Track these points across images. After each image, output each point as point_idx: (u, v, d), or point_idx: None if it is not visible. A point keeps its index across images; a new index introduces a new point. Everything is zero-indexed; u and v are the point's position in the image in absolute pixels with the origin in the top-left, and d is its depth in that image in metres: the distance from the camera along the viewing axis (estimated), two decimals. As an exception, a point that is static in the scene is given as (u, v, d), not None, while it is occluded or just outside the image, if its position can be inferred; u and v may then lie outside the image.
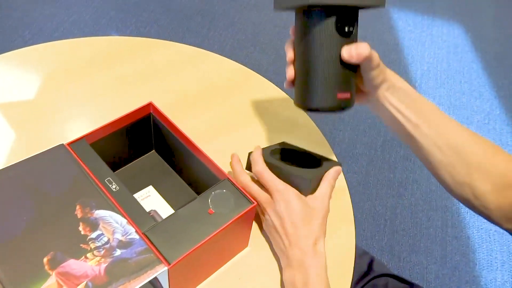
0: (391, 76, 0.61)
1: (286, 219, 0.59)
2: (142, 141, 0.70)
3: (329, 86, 0.56)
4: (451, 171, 0.58)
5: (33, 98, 0.81)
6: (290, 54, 0.60)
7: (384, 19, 2.35)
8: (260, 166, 0.62)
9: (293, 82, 0.61)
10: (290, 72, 0.60)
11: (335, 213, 0.69)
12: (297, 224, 0.58)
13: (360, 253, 0.84)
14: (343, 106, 0.57)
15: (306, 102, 0.58)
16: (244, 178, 0.63)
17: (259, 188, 0.62)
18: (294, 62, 0.60)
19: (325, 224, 0.60)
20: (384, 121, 0.63)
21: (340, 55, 0.56)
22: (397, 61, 2.11)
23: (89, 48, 0.92)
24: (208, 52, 0.95)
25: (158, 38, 2.07)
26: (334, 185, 0.63)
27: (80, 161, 0.58)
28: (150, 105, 0.66)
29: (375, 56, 0.57)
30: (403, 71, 2.06)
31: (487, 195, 0.56)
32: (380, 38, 2.22)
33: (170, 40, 0.99)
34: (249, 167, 0.66)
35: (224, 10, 2.26)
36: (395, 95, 0.60)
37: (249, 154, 0.67)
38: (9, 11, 2.10)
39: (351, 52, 0.55)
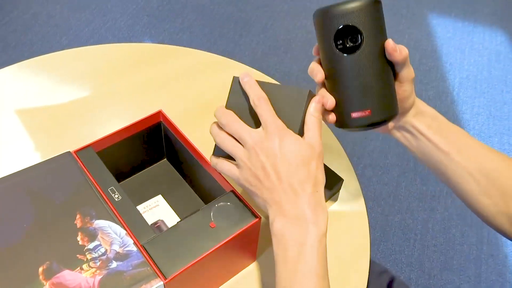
0: (418, 102, 0.58)
1: (278, 156, 0.48)
2: (153, 149, 0.70)
3: (343, 106, 0.53)
4: (485, 200, 0.55)
5: (52, 103, 0.82)
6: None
7: (422, 25, 2.28)
8: (260, 90, 0.51)
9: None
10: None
11: (350, 230, 0.66)
12: (294, 163, 0.48)
13: (379, 271, 0.80)
14: (361, 124, 0.52)
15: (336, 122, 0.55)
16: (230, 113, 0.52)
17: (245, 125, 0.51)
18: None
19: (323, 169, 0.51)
20: (411, 150, 0.60)
21: (356, 74, 0.51)
22: (434, 69, 2.04)
23: (111, 55, 0.93)
24: (230, 60, 0.94)
25: (190, 44, 2.12)
26: (321, 118, 0.52)
27: (85, 169, 0.57)
28: (159, 113, 0.66)
29: (412, 69, 0.54)
30: (441, 79, 1.99)
31: None
32: (418, 45, 2.16)
33: (202, 47, 0.99)
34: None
35: (257, 16, 2.26)
36: (423, 121, 0.57)
37: (233, 82, 0.55)
38: (48, 18, 2.18)
39: (395, 46, 0.51)
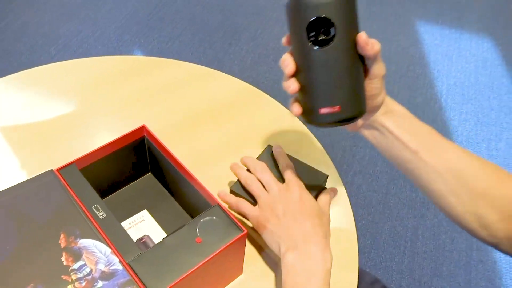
0: (388, 100, 0.58)
1: (298, 203, 0.59)
2: (137, 164, 0.69)
3: (312, 101, 0.52)
4: (454, 200, 0.54)
5: (36, 119, 0.82)
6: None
7: (410, 32, 2.30)
8: (288, 160, 0.65)
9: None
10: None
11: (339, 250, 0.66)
12: (310, 211, 0.58)
13: (371, 281, 0.80)
14: (329, 120, 0.52)
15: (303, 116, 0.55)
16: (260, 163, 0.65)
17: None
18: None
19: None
20: (380, 149, 0.59)
21: (323, 67, 0.50)
22: (422, 75, 2.05)
23: (99, 67, 0.93)
24: (217, 72, 0.94)
25: (179, 53, 2.12)
26: (331, 200, 0.64)
27: (68, 188, 0.57)
28: (143, 128, 0.65)
29: (383, 65, 0.54)
30: (429, 86, 2.01)
31: (495, 224, 0.52)
32: (405, 51, 2.17)
33: (192, 56, 0.99)
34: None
35: (247, 24, 2.26)
36: (392, 120, 0.57)
37: (235, 184, 0.66)
38: (37, 28, 2.17)
39: (368, 40, 0.51)
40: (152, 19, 2.27)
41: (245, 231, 0.55)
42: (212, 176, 0.73)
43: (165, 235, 0.65)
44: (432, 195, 0.56)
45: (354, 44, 0.51)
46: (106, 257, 0.51)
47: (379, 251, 1.46)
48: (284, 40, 0.54)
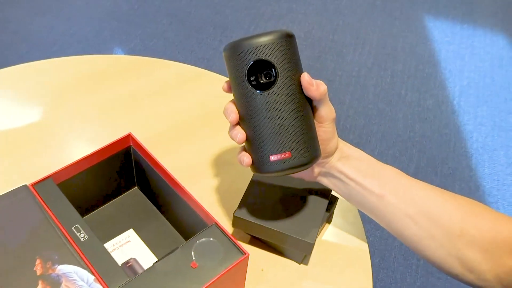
0: (343, 144, 0.59)
1: None
2: (123, 178, 0.68)
3: (260, 149, 0.53)
4: (431, 243, 0.55)
5: (5, 127, 0.80)
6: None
7: (417, 28, 2.31)
8: None
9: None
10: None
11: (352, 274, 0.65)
12: None
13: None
14: (280, 168, 0.53)
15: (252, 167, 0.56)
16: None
17: None
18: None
19: None
20: (344, 196, 0.60)
21: (270, 113, 0.52)
22: (432, 76, 2.06)
23: (77, 68, 0.91)
24: (209, 72, 0.93)
25: (164, 52, 2.11)
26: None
27: (45, 205, 0.56)
28: (129, 137, 0.64)
29: (332, 108, 0.56)
30: (440, 87, 2.01)
31: (481, 265, 0.52)
32: (413, 49, 2.18)
33: (177, 54, 0.98)
34: (240, 225, 0.63)
35: (238, 20, 2.26)
36: (349, 165, 0.58)
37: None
38: (5, 23, 2.15)
39: (311, 80, 0.52)
40: (134, 14, 2.26)
41: (247, 253, 0.54)
42: (208, 191, 0.72)
43: (154, 258, 0.63)
44: (407, 241, 0.57)
45: (298, 85, 0.53)
46: (89, 285, 0.50)
47: (389, 271, 1.45)
48: (224, 86, 0.55)
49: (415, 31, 2.30)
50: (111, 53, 2.06)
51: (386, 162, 1.68)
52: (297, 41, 2.14)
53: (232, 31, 2.20)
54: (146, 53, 2.04)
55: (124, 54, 2.07)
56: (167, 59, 0.97)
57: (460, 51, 2.20)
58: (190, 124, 0.83)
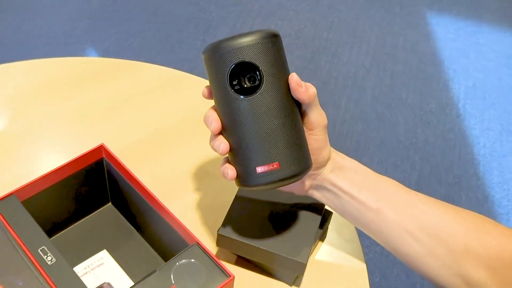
0: (335, 154, 0.59)
1: None
2: (95, 193, 0.68)
3: (246, 160, 0.53)
4: (432, 261, 0.55)
5: (-33, 136, 0.79)
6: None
7: (419, 25, 2.33)
8: None
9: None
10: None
11: None
12: None
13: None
14: (268, 180, 0.53)
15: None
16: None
17: None
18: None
19: None
20: (337, 211, 0.60)
21: (254, 120, 0.52)
22: (435, 76, 2.08)
23: (45, 72, 0.91)
24: (190, 75, 0.93)
25: (141, 53, 2.11)
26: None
27: (7, 226, 0.55)
28: (101, 148, 0.64)
29: (323, 113, 0.56)
30: (443, 88, 2.03)
31: (486, 284, 0.53)
32: (414, 48, 2.20)
33: (156, 55, 0.98)
34: (225, 245, 0.63)
35: (223, 17, 2.27)
36: (343, 177, 0.58)
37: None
38: (-35, 22, 2.14)
39: (300, 81, 0.53)
40: (107, 11, 2.26)
41: (232, 276, 0.54)
42: (189, 206, 0.72)
43: (131, 282, 0.63)
44: (407, 259, 0.57)
45: (286, 88, 0.53)
46: (57, 314, 0.49)
47: (391, 291, 1.45)
48: (204, 92, 0.55)
49: (416, 28, 2.32)
50: (83, 55, 2.06)
51: (386, 170, 1.70)
52: (288, 40, 2.16)
53: (216, 29, 2.20)
54: (121, 54, 2.04)
55: (97, 56, 2.07)
56: (144, 61, 0.97)
57: (465, 49, 2.22)
58: (169, 133, 0.83)
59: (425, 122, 1.90)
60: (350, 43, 2.21)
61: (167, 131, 0.83)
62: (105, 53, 2.06)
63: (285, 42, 2.32)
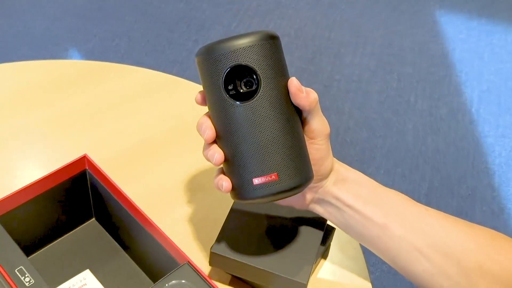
0: (339, 165, 0.60)
1: None
2: (77, 208, 0.68)
3: (241, 171, 0.54)
4: (445, 281, 0.55)
5: None
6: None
7: (428, 24, 2.34)
8: None
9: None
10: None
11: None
12: None
13: None
14: (266, 193, 0.53)
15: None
16: None
17: None
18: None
19: None
20: (340, 226, 0.61)
21: (250, 128, 0.52)
22: (446, 80, 2.09)
23: (24, 75, 0.91)
24: (178, 78, 0.94)
25: (128, 55, 2.11)
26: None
27: (-19, 243, 0.55)
28: (84, 158, 0.64)
29: (326, 121, 0.56)
30: (455, 93, 2.04)
31: None
32: (423, 49, 2.21)
33: (145, 57, 0.99)
34: (219, 263, 0.63)
35: (217, 16, 2.28)
36: (347, 190, 0.58)
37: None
38: None
39: (300, 86, 0.53)
40: (90, 9, 2.26)
41: (225, 297, 0.54)
42: (180, 222, 0.72)
43: (116, 305, 0.63)
44: (416, 279, 0.57)
45: (285, 94, 0.53)
46: None
47: (399, 312, 1.45)
48: (197, 97, 0.56)
49: (425, 27, 2.33)
50: (65, 57, 2.06)
51: (393, 181, 1.70)
52: (287, 40, 2.16)
53: (210, 29, 2.21)
54: (107, 56, 2.04)
55: (81, 58, 2.07)
56: (132, 64, 0.97)
57: (478, 50, 2.23)
58: (158, 141, 0.83)
59: (435, 129, 1.91)
60: (353, 44, 2.22)
61: (156, 140, 0.83)
62: (89, 54, 2.06)
63: (284, 42, 2.31)
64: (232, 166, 0.54)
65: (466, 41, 2.27)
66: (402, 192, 0.60)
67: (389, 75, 2.09)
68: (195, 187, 0.77)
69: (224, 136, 0.54)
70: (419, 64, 2.14)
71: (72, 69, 0.94)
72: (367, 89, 2.03)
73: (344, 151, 1.80)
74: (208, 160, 0.55)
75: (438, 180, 1.75)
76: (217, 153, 0.54)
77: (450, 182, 1.75)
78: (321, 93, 1.96)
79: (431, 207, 0.60)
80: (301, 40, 2.21)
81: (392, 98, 2.01)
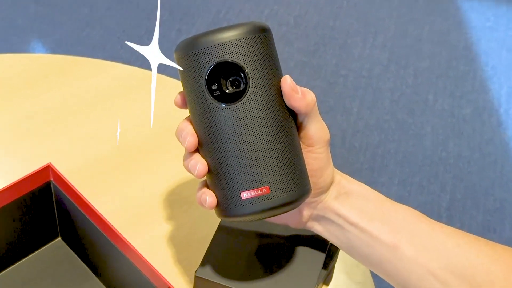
0: (340, 176, 0.60)
1: None
2: (40, 225, 0.68)
3: (227, 184, 0.54)
4: None
5: None
6: None
7: (449, 11, 2.35)
8: None
9: None
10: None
11: None
12: None
13: None
14: (257, 209, 0.53)
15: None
16: None
17: None
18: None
19: None
20: (342, 247, 0.61)
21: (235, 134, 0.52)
22: (470, 75, 2.09)
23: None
24: (163, 76, 0.93)
25: (102, 47, 2.10)
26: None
27: None
28: (48, 168, 0.64)
29: (324, 125, 0.57)
30: (480, 90, 2.04)
31: None
32: (444, 40, 2.21)
33: (121, 50, 0.98)
34: None
35: (204, 2, 2.28)
36: (350, 205, 0.58)
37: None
38: None
39: (295, 86, 0.53)
40: (58, -6, 2.26)
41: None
42: (159, 241, 0.73)
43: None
44: None
45: (277, 95, 0.54)
46: None
47: None
48: (177, 99, 0.57)
49: (445, 14, 2.33)
50: (27, 51, 2.06)
51: (409, 193, 1.71)
52: (286, 29, 2.17)
53: (195, 16, 2.21)
54: (76, 49, 2.04)
55: (45, 52, 2.07)
56: (104, 58, 0.97)
57: (507, 40, 2.23)
58: (135, 149, 0.84)
59: (457, 132, 1.91)
60: (362, 33, 2.22)
61: (133, 146, 0.84)
62: (56, 47, 2.06)
63: (281, 32, 2.33)
64: (217, 178, 0.54)
65: (494, 29, 2.28)
66: (420, 205, 0.60)
67: (404, 69, 2.09)
68: (178, 200, 0.78)
69: (207, 144, 0.54)
70: (438, 57, 2.14)
71: (35, 64, 0.94)
72: (378, 86, 2.03)
73: (352, 157, 1.81)
74: (190, 171, 0.55)
75: (460, 191, 1.75)
76: (199, 163, 0.54)
77: (474, 193, 1.75)
78: (325, 90, 1.96)
79: (453, 222, 0.60)
80: (302, 29, 2.21)
81: (407, 96, 2.01)
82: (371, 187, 0.60)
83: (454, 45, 2.20)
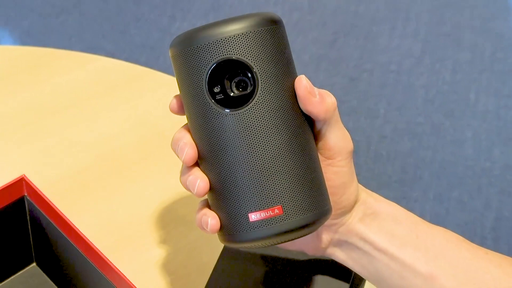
0: (366, 194, 0.60)
1: None
2: (12, 248, 0.68)
3: (233, 204, 0.54)
4: None
5: None
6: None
7: (493, -8, 2.34)
8: None
9: None
10: None
11: None
12: None
13: None
14: (267, 233, 0.53)
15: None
16: None
17: None
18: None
19: None
20: (367, 276, 0.61)
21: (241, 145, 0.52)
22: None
23: None
24: (150, 70, 0.94)
25: (81, 35, 2.10)
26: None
27: None
28: (22, 182, 0.65)
29: (347, 133, 0.57)
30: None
31: None
32: (487, 27, 2.21)
33: (104, 40, 0.99)
34: None
35: (201, -17, 2.28)
36: (377, 227, 0.58)
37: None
38: None
39: (312, 88, 0.53)
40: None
41: None
42: (150, 268, 0.73)
43: None
44: None
45: (291, 98, 0.54)
46: None
47: None
48: (172, 104, 0.57)
49: (489, -3, 2.33)
50: (-8, 40, 2.07)
51: (447, 210, 1.70)
52: (299, 16, 2.17)
53: (190, 2, 2.21)
54: (49, 39, 2.04)
55: (13, 42, 2.07)
56: (84, 50, 0.98)
57: None
58: (124, 157, 0.84)
59: (505, 137, 1.90)
60: (391, 20, 2.22)
61: (120, 155, 0.84)
62: (25, 36, 2.06)
63: (294, 18, 2.32)
64: (221, 197, 0.54)
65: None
66: (459, 225, 0.60)
67: (440, 63, 2.09)
68: (173, 220, 0.78)
69: (208, 157, 0.54)
70: (481, 48, 2.14)
71: (2, 58, 0.95)
72: (409, 83, 2.03)
73: (378, 168, 1.80)
74: (188, 189, 0.55)
75: (508, 208, 1.74)
76: (199, 179, 0.54)
77: (525, 211, 1.75)
78: (346, 89, 1.96)
79: (499, 246, 0.60)
80: (318, 15, 2.21)
81: (444, 95, 2.00)
82: (401, 203, 0.60)
83: (499, 34, 2.20)
